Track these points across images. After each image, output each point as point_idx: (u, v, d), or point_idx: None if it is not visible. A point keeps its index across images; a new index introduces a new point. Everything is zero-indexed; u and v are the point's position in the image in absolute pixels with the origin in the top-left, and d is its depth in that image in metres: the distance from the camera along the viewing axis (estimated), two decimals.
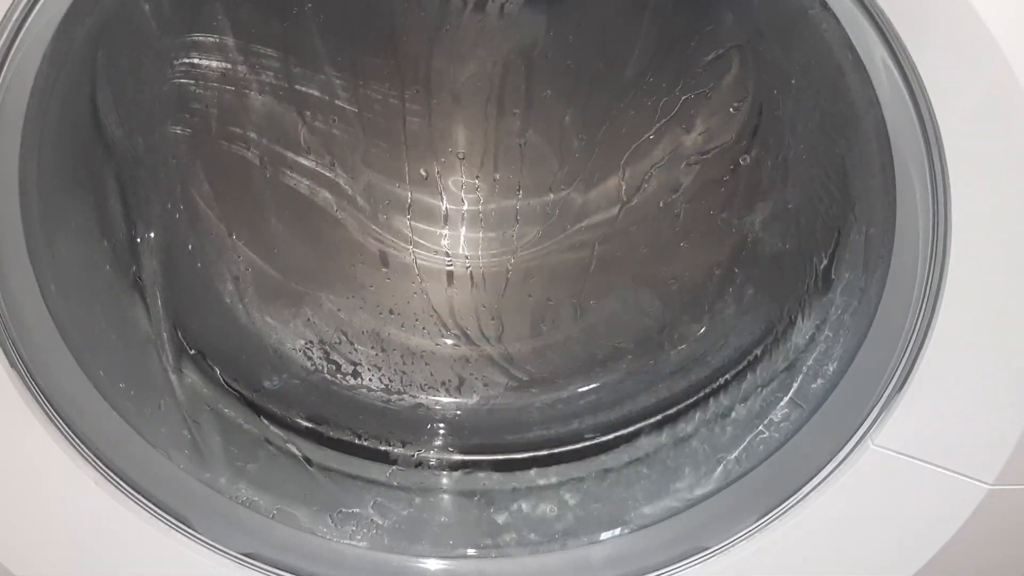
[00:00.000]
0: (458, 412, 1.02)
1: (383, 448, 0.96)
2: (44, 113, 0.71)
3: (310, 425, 0.95)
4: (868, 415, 0.70)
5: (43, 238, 0.75)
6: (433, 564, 0.84)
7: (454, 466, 0.96)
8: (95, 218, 0.84)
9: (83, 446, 0.72)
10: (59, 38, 0.68)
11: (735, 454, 0.83)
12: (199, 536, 0.75)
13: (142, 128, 0.88)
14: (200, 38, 0.90)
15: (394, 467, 0.95)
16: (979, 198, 0.61)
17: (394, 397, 1.02)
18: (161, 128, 0.91)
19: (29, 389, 0.71)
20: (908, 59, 0.60)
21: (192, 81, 0.92)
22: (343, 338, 1.02)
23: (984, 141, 0.60)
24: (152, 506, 0.74)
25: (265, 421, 0.93)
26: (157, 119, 0.91)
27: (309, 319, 1.02)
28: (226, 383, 0.92)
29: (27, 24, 0.64)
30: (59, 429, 0.71)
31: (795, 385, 0.82)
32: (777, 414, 0.82)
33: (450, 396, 1.03)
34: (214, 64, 0.92)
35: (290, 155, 0.98)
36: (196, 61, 0.91)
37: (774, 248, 0.92)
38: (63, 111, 0.76)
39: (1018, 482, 0.66)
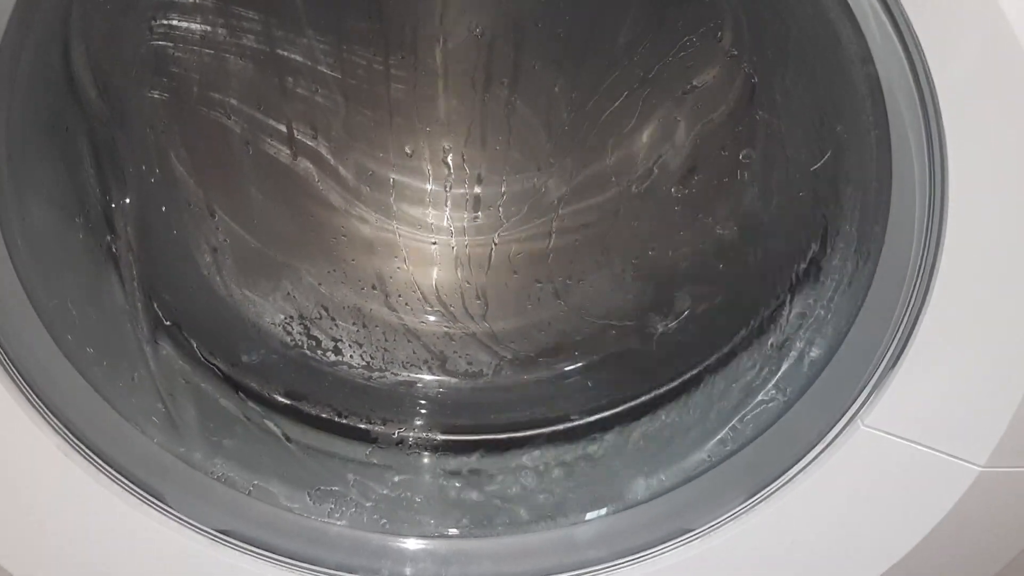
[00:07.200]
0: (441, 390, 1.00)
1: (364, 426, 0.95)
2: (15, 68, 0.68)
3: (289, 401, 0.94)
4: (858, 396, 0.68)
5: (13, 201, 0.72)
6: (412, 543, 0.83)
7: (436, 445, 0.94)
8: (68, 181, 0.82)
9: (52, 416, 0.70)
10: None
11: (722, 434, 0.82)
12: (173, 512, 0.73)
13: (118, 91, 0.86)
14: None
15: (375, 445, 0.93)
16: (977, 168, 0.59)
17: (375, 374, 1.00)
18: (138, 91, 0.89)
19: None
20: (903, 14, 0.59)
21: (170, 44, 0.89)
22: (324, 313, 1.01)
23: (981, 102, 0.57)
24: (124, 480, 0.72)
25: (242, 396, 0.91)
26: (133, 82, 0.89)
27: (289, 293, 1.00)
28: (203, 356, 0.90)
29: None
30: (27, 398, 0.69)
31: (784, 365, 0.81)
32: (766, 394, 0.81)
33: (433, 374, 1.02)
34: (193, 26, 0.90)
35: (271, 123, 0.96)
36: (175, 23, 0.89)
37: (764, 226, 0.91)
38: (34, 67, 0.73)
39: (1010, 464, 0.65)
